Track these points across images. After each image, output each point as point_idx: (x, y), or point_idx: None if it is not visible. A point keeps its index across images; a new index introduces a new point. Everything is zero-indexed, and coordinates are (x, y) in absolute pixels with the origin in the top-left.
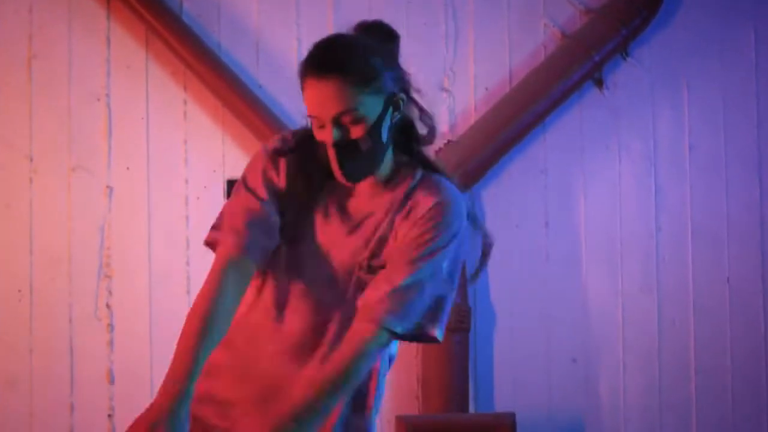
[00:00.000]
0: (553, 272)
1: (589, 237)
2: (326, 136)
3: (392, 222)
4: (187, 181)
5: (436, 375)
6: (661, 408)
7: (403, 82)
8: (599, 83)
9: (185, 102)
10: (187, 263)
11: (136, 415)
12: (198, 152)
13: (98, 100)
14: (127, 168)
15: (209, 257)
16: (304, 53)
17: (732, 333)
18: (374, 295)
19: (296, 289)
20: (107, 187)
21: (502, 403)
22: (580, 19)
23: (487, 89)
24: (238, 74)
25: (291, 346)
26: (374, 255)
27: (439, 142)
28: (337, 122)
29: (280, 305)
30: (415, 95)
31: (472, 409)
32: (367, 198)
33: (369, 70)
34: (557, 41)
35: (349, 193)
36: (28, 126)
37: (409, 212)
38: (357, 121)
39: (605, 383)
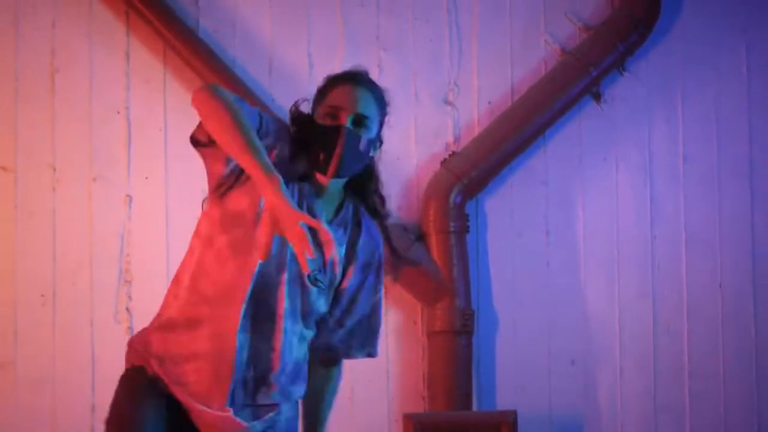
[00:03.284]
0: (554, 278)
1: (588, 245)
2: (342, 119)
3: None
4: (204, 191)
5: (441, 375)
6: (656, 408)
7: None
8: (597, 97)
9: None
10: None
11: None
12: None
13: (118, 112)
14: (146, 178)
15: None
16: (315, 68)
17: (724, 336)
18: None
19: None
20: (127, 195)
21: (503, 404)
22: (579, 35)
23: (489, 103)
24: (252, 88)
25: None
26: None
27: (443, 154)
28: (353, 119)
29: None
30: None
31: (475, 408)
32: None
33: (384, 106)
34: (557, 57)
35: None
36: (51, 137)
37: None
38: (366, 128)
39: (603, 384)
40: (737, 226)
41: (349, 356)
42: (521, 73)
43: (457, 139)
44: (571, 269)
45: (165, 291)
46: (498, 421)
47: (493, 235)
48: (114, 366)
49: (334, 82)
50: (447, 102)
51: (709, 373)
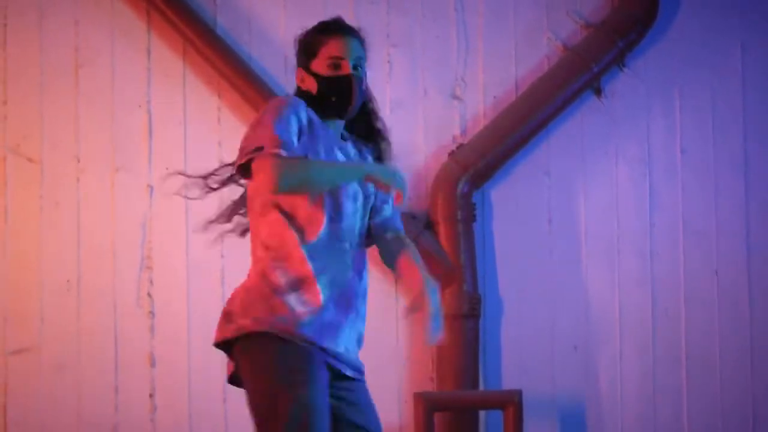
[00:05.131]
0: (556, 266)
1: (589, 234)
2: (346, 68)
3: None
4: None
5: (449, 357)
6: (654, 390)
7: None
8: (598, 92)
9: (219, 108)
10: (222, 256)
11: (176, 395)
12: (231, 154)
13: (139, 106)
14: (167, 168)
15: (242, 250)
16: None
17: (720, 321)
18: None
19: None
20: (148, 186)
21: (509, 386)
22: (580, 33)
23: (495, 97)
24: (267, 82)
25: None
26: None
27: (451, 146)
28: (354, 65)
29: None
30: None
31: (482, 389)
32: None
33: (365, 43)
34: (559, 53)
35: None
36: (76, 130)
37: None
38: (363, 69)
39: (604, 367)
40: (732, 216)
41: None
42: (525, 69)
43: (463, 132)
44: (573, 257)
45: (185, 277)
46: (504, 399)
47: (499, 224)
48: (136, 348)
49: (323, 34)
50: (454, 96)
51: (705, 357)
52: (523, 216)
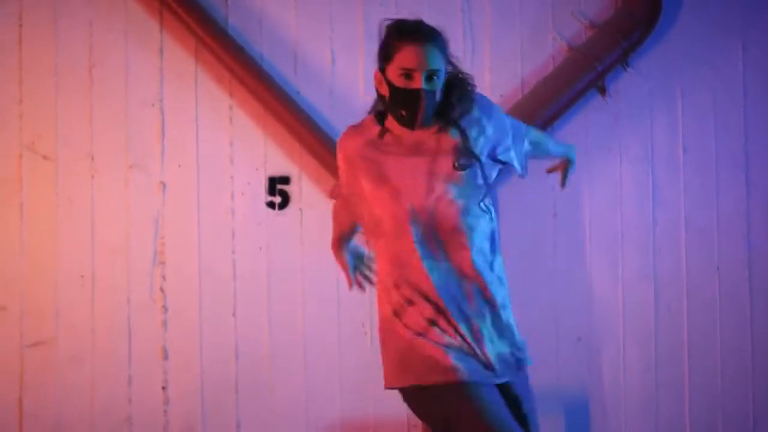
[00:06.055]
0: (561, 261)
1: (593, 230)
2: (417, 83)
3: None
4: (232, 178)
5: None
6: (657, 383)
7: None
8: (602, 91)
9: (231, 107)
10: (233, 251)
11: (188, 387)
12: (242, 152)
13: (152, 105)
14: (179, 166)
15: (252, 246)
16: (338, 63)
17: (721, 317)
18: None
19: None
20: (161, 183)
21: None
22: (584, 33)
23: (501, 96)
24: (278, 82)
25: None
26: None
27: None
28: (427, 76)
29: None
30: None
31: None
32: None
33: (446, 48)
34: (564, 53)
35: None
36: (89, 128)
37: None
38: (437, 81)
39: (607, 361)
40: (733, 213)
41: None
42: (530, 68)
43: None
44: (577, 252)
45: (197, 272)
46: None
47: (505, 220)
48: (149, 342)
49: (399, 40)
50: None
51: (707, 351)
52: (529, 212)
